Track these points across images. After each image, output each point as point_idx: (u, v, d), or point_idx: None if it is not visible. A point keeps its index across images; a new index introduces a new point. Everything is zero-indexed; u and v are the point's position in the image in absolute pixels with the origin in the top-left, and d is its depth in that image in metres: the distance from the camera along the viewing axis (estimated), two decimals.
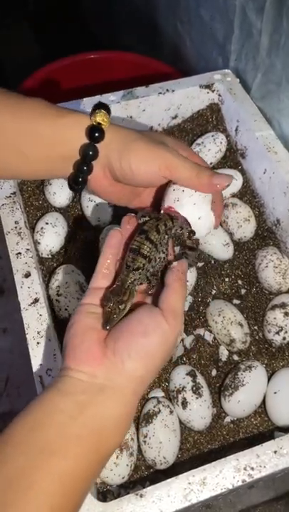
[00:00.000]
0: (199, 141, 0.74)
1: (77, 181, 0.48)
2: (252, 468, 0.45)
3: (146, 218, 0.46)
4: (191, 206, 0.46)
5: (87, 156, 0.46)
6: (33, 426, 0.36)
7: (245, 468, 0.45)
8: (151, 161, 0.46)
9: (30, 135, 0.47)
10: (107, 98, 0.72)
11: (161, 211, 0.47)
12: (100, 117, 0.46)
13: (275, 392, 0.56)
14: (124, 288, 0.42)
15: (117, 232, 0.45)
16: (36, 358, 0.52)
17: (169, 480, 0.45)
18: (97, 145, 0.46)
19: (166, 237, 0.46)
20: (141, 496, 0.44)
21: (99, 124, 0.46)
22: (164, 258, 0.46)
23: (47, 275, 0.65)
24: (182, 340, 0.61)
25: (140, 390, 0.39)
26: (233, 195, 0.72)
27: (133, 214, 0.48)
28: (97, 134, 0.46)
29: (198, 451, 0.55)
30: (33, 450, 0.35)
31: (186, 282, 0.44)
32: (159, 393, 0.57)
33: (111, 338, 0.39)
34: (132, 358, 0.38)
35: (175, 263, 0.44)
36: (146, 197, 0.51)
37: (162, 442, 0.52)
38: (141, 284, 0.44)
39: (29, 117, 0.47)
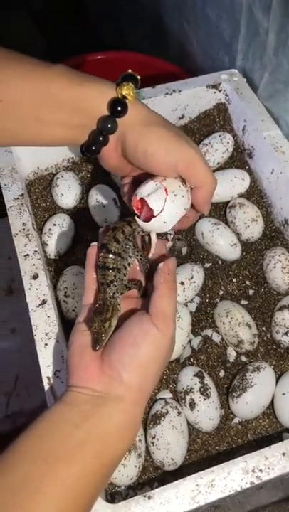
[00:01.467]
0: (206, 141, 0.74)
1: (90, 150, 0.46)
2: (260, 471, 0.45)
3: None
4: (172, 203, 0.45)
5: (106, 129, 0.44)
6: (40, 435, 0.37)
7: (253, 471, 0.45)
8: (171, 152, 0.44)
9: (50, 103, 0.45)
10: None
11: (132, 200, 0.46)
12: (127, 90, 0.43)
13: (284, 394, 0.56)
14: (106, 305, 0.42)
15: (94, 249, 0.45)
16: (44, 359, 0.52)
17: (176, 482, 0.45)
18: (117, 119, 0.44)
19: (130, 242, 0.45)
20: (149, 497, 0.44)
21: (124, 97, 0.44)
22: (141, 260, 0.46)
23: (55, 276, 0.65)
24: (190, 341, 0.60)
25: (140, 397, 0.40)
26: (241, 196, 0.72)
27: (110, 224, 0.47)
28: (119, 108, 0.44)
29: (207, 452, 0.55)
30: (40, 457, 0.36)
31: (174, 282, 0.43)
32: (166, 394, 0.57)
33: (106, 352, 0.40)
34: (126, 369, 0.39)
35: (161, 264, 0.43)
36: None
37: (170, 444, 0.52)
38: (122, 293, 0.44)
39: (51, 85, 0.45)
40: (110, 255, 0.43)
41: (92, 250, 0.45)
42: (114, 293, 0.43)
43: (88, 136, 0.46)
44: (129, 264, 0.45)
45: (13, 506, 0.33)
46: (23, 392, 0.83)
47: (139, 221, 0.45)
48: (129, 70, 0.46)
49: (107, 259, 0.43)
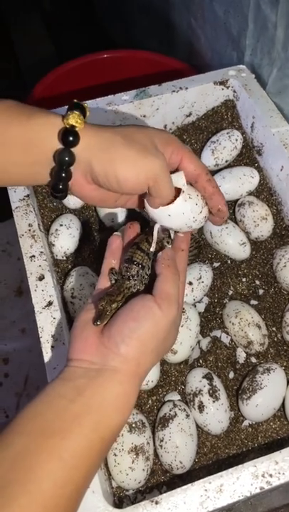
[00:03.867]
0: (214, 138, 0.73)
1: (58, 189, 0.46)
2: (270, 475, 0.44)
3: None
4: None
5: (63, 162, 0.44)
6: (36, 412, 0.38)
7: (263, 475, 0.44)
8: (139, 171, 0.43)
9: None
10: (120, 98, 0.72)
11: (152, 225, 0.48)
12: (73, 119, 0.43)
13: None
14: (120, 291, 0.44)
15: (116, 238, 0.48)
16: (50, 361, 0.52)
17: (184, 486, 0.44)
18: (74, 149, 0.44)
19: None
20: (156, 502, 0.43)
21: (72, 126, 0.43)
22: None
23: (62, 277, 0.65)
24: (198, 342, 0.60)
25: (137, 371, 0.40)
26: (250, 194, 0.71)
27: (136, 222, 0.50)
28: (71, 138, 0.43)
29: (216, 455, 0.54)
30: (35, 433, 0.36)
31: (176, 268, 0.45)
32: (175, 396, 0.56)
33: (107, 327, 0.42)
34: (125, 342, 0.40)
35: (160, 254, 0.45)
36: (129, 196, 0.50)
37: (179, 447, 0.52)
38: (138, 290, 0.46)
39: None
40: (139, 251, 0.46)
41: (114, 239, 0.48)
42: (131, 287, 0.45)
43: (50, 175, 0.46)
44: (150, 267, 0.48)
45: (11, 480, 0.34)
46: (33, 393, 0.83)
47: (146, 204, 0.47)
48: (74, 100, 0.46)
49: (135, 254, 0.46)
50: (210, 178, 0.48)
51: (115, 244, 0.48)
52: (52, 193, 0.46)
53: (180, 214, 0.46)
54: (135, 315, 0.41)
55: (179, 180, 0.47)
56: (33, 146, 0.45)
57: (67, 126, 0.43)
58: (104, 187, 0.45)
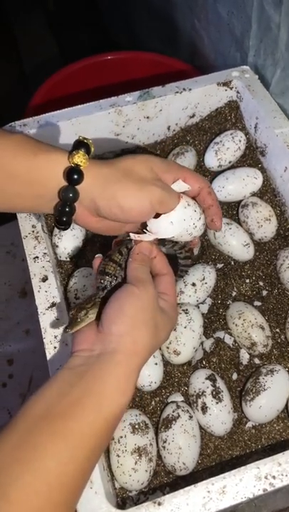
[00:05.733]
0: (218, 139, 0.73)
1: (62, 222, 0.48)
2: (273, 477, 0.44)
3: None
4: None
5: (67, 199, 0.47)
6: (40, 398, 0.39)
7: (266, 477, 0.44)
8: (142, 198, 0.46)
9: (5, 172, 0.46)
10: (124, 99, 0.72)
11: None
12: (78, 158, 0.46)
13: None
14: (90, 299, 0.46)
15: (98, 259, 0.50)
16: (54, 362, 0.52)
17: (187, 488, 0.44)
18: (78, 186, 0.46)
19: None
20: (159, 503, 0.43)
21: (77, 165, 0.46)
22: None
23: (65, 278, 0.65)
24: (201, 343, 0.60)
25: (134, 349, 0.42)
26: (253, 194, 0.71)
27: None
28: (75, 177, 0.46)
29: (219, 457, 0.54)
30: (38, 416, 0.38)
31: (143, 259, 0.48)
32: (178, 398, 0.56)
33: (100, 319, 0.44)
34: (115, 322, 0.42)
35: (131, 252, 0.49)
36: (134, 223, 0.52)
37: (182, 448, 0.52)
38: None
39: (5, 154, 0.46)
40: (111, 263, 0.48)
41: (96, 261, 0.50)
42: (103, 297, 0.47)
43: (54, 209, 0.48)
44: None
45: (15, 460, 0.35)
46: None
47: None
48: (80, 137, 0.48)
49: (107, 266, 0.48)
50: (211, 192, 0.51)
51: (98, 265, 0.50)
52: (56, 225, 0.49)
53: (181, 220, 0.49)
54: (118, 298, 0.44)
55: (181, 187, 0.49)
56: (38, 182, 0.47)
57: (72, 165, 0.46)
58: (111, 219, 0.48)
